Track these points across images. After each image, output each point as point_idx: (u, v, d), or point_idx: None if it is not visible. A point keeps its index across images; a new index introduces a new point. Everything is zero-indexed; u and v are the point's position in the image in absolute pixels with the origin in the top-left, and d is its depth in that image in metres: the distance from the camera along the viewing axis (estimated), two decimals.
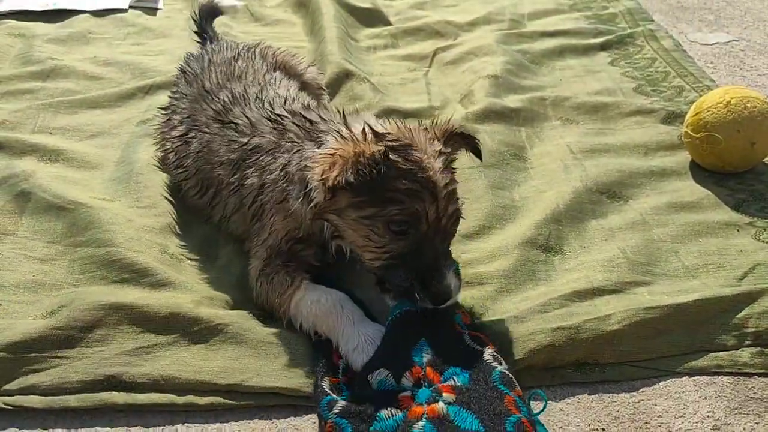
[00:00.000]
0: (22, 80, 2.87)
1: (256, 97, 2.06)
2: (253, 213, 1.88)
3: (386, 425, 1.41)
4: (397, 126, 1.69)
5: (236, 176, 1.91)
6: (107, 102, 2.76)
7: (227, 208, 1.98)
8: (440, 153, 1.66)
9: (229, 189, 1.94)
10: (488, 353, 1.56)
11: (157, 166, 2.30)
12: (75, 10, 3.53)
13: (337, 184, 1.55)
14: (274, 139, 1.86)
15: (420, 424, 1.38)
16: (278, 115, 1.93)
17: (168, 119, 2.28)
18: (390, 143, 1.60)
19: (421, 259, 1.60)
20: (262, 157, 1.86)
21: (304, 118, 1.86)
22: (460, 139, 1.78)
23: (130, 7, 3.62)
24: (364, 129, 1.64)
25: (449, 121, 1.78)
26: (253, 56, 2.39)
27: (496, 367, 1.52)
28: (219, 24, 3.44)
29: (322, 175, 1.59)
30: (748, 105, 2.23)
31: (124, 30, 3.42)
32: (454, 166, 1.73)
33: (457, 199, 1.68)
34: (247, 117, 1.97)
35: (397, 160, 1.57)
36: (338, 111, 1.90)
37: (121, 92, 2.81)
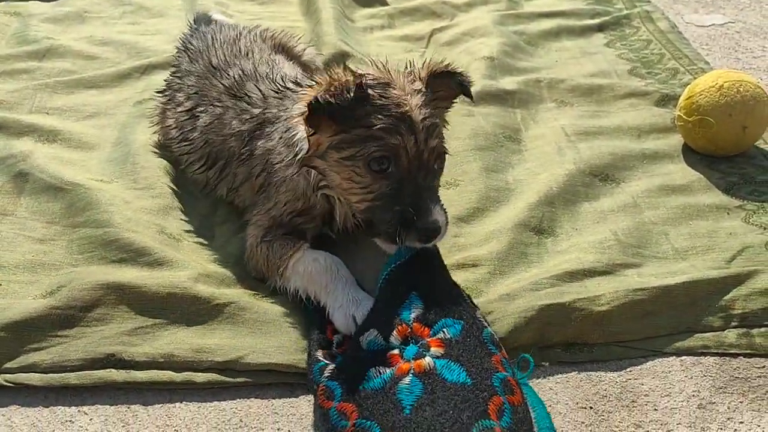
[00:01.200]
0: (18, 60, 2.87)
1: (266, 75, 2.08)
2: (260, 183, 1.92)
3: (374, 384, 1.44)
4: (378, 68, 1.71)
5: (247, 147, 1.94)
6: (104, 82, 2.76)
7: (236, 179, 2.01)
8: (419, 91, 1.67)
9: (240, 160, 1.97)
10: (479, 313, 1.60)
11: (154, 150, 2.31)
12: None
13: (311, 107, 1.59)
14: (277, 109, 1.90)
15: (406, 379, 1.42)
16: (285, 87, 1.96)
17: (170, 98, 2.29)
18: (367, 80, 1.63)
19: (405, 197, 1.61)
20: (268, 128, 1.90)
21: (300, 85, 1.89)
22: (448, 78, 1.78)
23: None
24: (343, 68, 1.67)
25: (431, 60, 1.79)
26: (255, 37, 2.41)
27: (486, 327, 1.55)
28: (215, 2, 3.44)
29: (302, 114, 1.64)
30: (741, 89, 2.25)
31: (121, 9, 3.41)
32: (439, 105, 1.75)
33: (440, 135, 1.69)
34: (260, 90, 2.00)
35: (373, 95, 1.60)
36: None
37: (118, 72, 2.81)
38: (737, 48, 3.18)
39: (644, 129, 2.52)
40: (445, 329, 1.52)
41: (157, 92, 2.39)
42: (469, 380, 1.41)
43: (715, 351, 1.72)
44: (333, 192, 1.76)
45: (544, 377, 1.65)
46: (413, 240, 1.62)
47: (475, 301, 1.77)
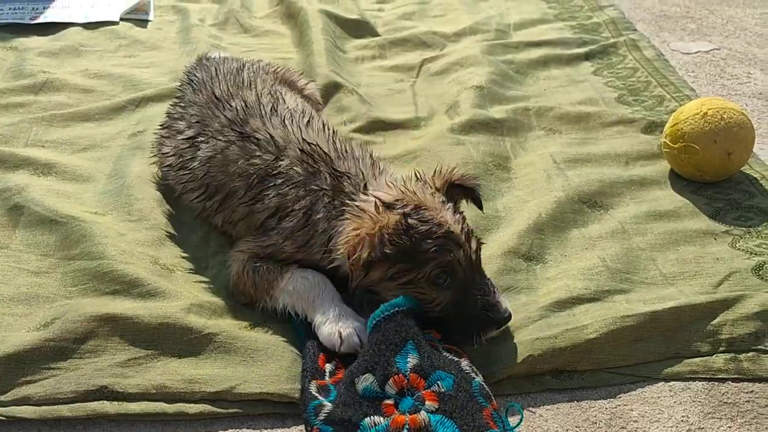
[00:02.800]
0: (14, 94, 2.91)
1: (272, 108, 2.10)
2: (262, 226, 1.95)
3: None
4: (401, 191, 1.79)
5: (252, 191, 1.97)
6: (99, 115, 2.80)
7: (235, 215, 2.03)
8: (444, 203, 1.79)
9: (242, 200, 1.99)
10: (465, 363, 1.62)
11: (149, 181, 2.34)
12: (66, 23, 3.57)
13: (372, 258, 1.67)
14: (302, 173, 1.91)
15: None
16: (309, 144, 1.95)
17: (168, 126, 2.31)
18: (402, 210, 1.71)
19: (471, 300, 1.72)
20: (286, 187, 1.91)
21: (335, 169, 1.90)
22: (461, 189, 1.91)
23: (121, 19, 3.66)
24: (375, 203, 1.74)
25: (450, 170, 1.90)
26: (257, 69, 2.44)
27: (475, 377, 1.57)
28: (208, 35, 3.50)
29: (350, 257, 1.70)
30: (725, 116, 2.29)
31: (116, 42, 3.46)
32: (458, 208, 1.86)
33: (473, 232, 1.79)
34: (269, 134, 2.00)
35: (414, 224, 1.69)
36: (368, 155, 1.99)
37: (113, 105, 2.85)
38: (723, 75, 3.24)
39: (632, 156, 2.56)
40: (439, 382, 1.54)
41: (160, 126, 2.40)
42: None
43: (704, 376, 1.74)
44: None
45: (534, 405, 1.67)
46: (492, 332, 1.74)
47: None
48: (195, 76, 2.41)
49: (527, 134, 2.72)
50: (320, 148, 1.94)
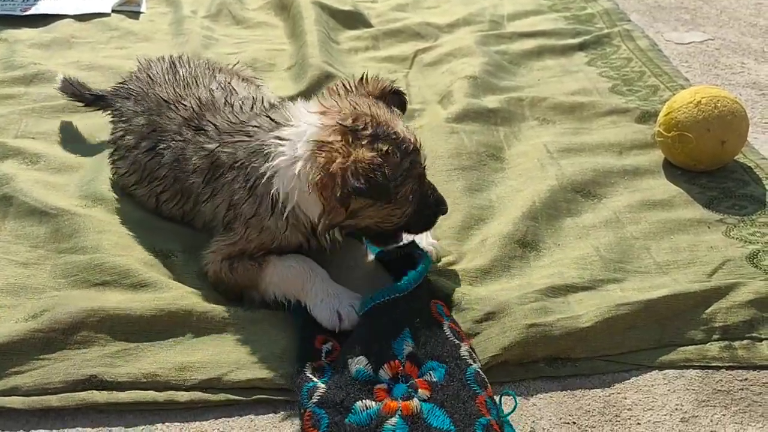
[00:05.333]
0: (5, 85, 2.88)
1: (225, 101, 2.05)
2: (226, 223, 1.91)
3: (360, 418, 1.45)
4: (351, 106, 1.75)
5: (208, 186, 1.93)
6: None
7: (206, 216, 2.00)
8: (392, 111, 1.82)
9: (204, 198, 1.96)
10: (464, 349, 1.61)
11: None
12: (58, 15, 3.54)
13: (346, 194, 1.64)
14: (235, 150, 1.86)
15: (393, 420, 1.42)
16: (241, 122, 1.92)
17: (118, 146, 2.20)
18: (368, 133, 1.69)
19: (427, 199, 1.83)
20: (227, 170, 1.86)
21: (242, 123, 1.89)
22: (395, 96, 1.93)
23: (113, 11, 3.63)
24: (341, 130, 1.68)
25: (376, 78, 1.91)
26: (186, 63, 2.33)
27: (471, 364, 1.56)
28: (200, 27, 3.47)
29: (323, 194, 1.67)
30: (719, 104, 2.29)
31: (107, 34, 3.43)
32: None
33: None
34: (215, 123, 1.96)
35: (390, 152, 1.69)
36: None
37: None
38: (716, 65, 3.23)
39: (625, 145, 2.55)
40: (431, 372, 1.54)
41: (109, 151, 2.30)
42: (453, 427, 1.43)
43: (698, 364, 1.73)
44: (357, 231, 1.84)
45: (528, 394, 1.66)
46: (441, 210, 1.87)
47: (462, 317, 1.77)
48: (131, 88, 2.27)
49: (521, 124, 2.71)
50: (252, 119, 1.91)
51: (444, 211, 1.88)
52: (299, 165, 1.69)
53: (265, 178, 1.75)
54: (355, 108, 1.74)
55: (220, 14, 3.69)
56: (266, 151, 1.77)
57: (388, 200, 1.69)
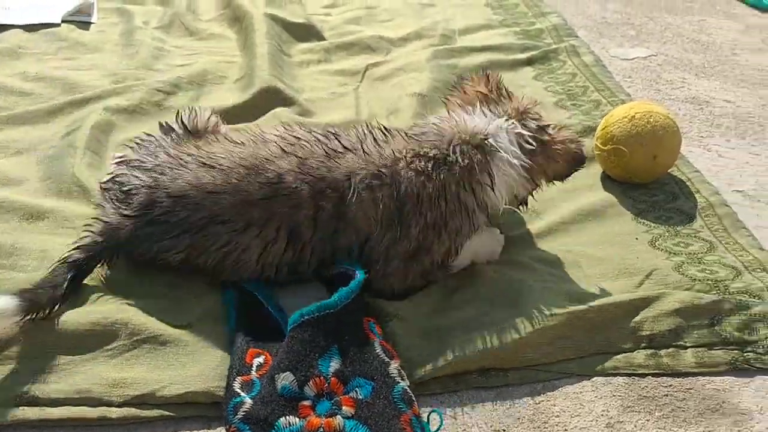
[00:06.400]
0: None
1: None
2: None
3: None
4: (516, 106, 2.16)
5: None
6: (36, 118, 2.73)
7: None
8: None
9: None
10: (393, 367, 1.64)
11: (80, 184, 2.30)
12: (5, 25, 3.50)
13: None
14: None
15: None
16: None
17: None
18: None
19: None
20: None
21: None
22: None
23: (63, 21, 3.60)
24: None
25: (487, 73, 2.23)
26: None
27: (399, 382, 1.59)
28: (152, 38, 3.47)
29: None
30: (651, 120, 2.37)
31: (56, 44, 3.39)
32: None
33: None
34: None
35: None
36: None
37: (50, 108, 2.78)
38: (658, 80, 3.34)
39: None
40: (357, 389, 1.56)
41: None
42: None
43: (625, 371, 1.79)
44: None
45: (460, 404, 1.70)
46: None
47: (393, 339, 1.79)
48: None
49: None
50: None
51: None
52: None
53: None
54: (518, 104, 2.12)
55: (172, 25, 3.68)
56: None
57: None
